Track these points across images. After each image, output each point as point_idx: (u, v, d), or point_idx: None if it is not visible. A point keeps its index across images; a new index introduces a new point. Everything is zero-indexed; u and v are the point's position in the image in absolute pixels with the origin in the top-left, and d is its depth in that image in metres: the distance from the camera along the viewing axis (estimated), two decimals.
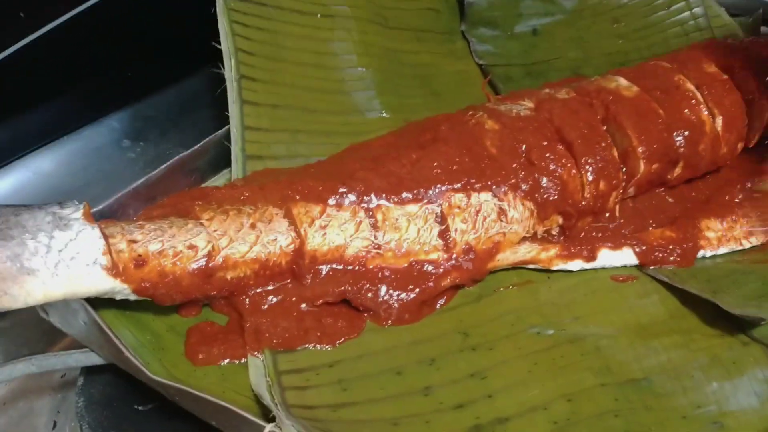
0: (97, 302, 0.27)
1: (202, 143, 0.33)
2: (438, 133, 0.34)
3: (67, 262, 0.25)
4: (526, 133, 0.33)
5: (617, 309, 0.31)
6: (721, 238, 0.34)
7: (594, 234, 0.33)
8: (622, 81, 0.37)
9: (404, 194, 0.31)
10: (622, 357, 0.28)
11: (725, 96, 0.36)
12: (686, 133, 0.34)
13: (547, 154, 0.33)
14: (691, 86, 0.36)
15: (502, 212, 0.31)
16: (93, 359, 0.30)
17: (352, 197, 0.30)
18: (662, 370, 0.27)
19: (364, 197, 0.30)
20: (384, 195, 0.30)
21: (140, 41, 0.43)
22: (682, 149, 0.34)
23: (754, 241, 0.35)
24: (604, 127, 0.35)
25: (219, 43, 0.37)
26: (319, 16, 0.44)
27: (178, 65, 0.45)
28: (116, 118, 0.43)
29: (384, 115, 0.43)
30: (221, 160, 0.35)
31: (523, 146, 0.33)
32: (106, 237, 0.25)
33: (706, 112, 0.35)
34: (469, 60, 0.51)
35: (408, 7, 0.51)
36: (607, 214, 0.34)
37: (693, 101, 0.35)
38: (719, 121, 0.36)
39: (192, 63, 0.43)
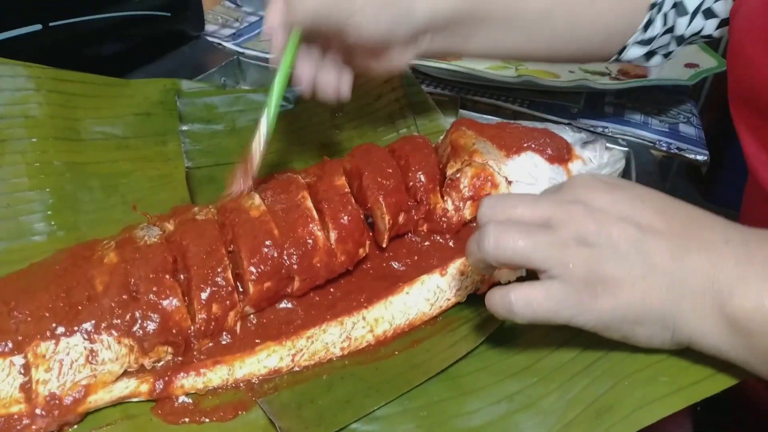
0: None
1: None
2: (52, 273, 0.35)
3: None
4: (137, 265, 0.35)
5: None
6: (336, 342, 0.38)
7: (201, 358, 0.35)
8: (256, 200, 0.40)
9: None
10: None
11: (342, 210, 0.40)
12: (297, 251, 0.38)
13: (153, 287, 0.35)
14: (309, 204, 0.40)
15: (92, 354, 0.33)
16: None
17: None
18: None
19: None
20: None
21: None
22: (294, 266, 0.38)
23: (369, 339, 0.39)
24: (230, 248, 0.38)
25: None
26: None
27: None
28: None
29: (59, 234, 0.44)
30: None
31: (132, 280, 0.35)
32: None
33: (318, 229, 0.39)
34: (180, 162, 0.53)
35: (109, 115, 0.52)
36: (228, 335, 0.37)
37: (308, 218, 0.39)
38: (333, 234, 0.39)
39: None
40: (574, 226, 0.31)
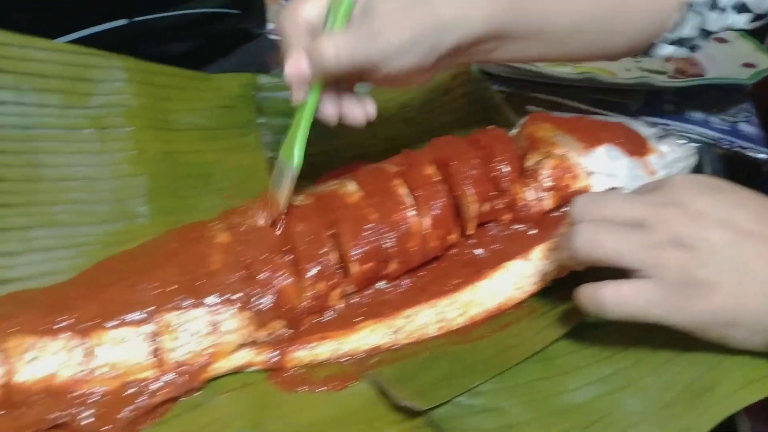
0: None
1: None
2: (167, 251, 0.37)
3: None
4: (251, 245, 0.37)
5: (321, 403, 0.35)
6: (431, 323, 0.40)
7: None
8: (351, 187, 0.42)
9: (120, 318, 0.34)
10: None
11: (434, 197, 0.41)
12: (395, 235, 0.40)
13: (266, 266, 0.37)
14: (403, 191, 0.41)
15: (215, 326, 0.35)
16: None
17: (66, 326, 0.33)
18: None
19: (79, 325, 0.33)
20: (99, 321, 0.33)
21: None
22: (391, 249, 0.40)
23: (462, 321, 0.40)
24: (332, 231, 0.40)
25: None
26: (88, 131, 0.47)
27: None
28: None
29: (158, 218, 0.46)
30: None
31: (246, 259, 0.37)
32: None
33: (413, 214, 0.40)
34: (260, 153, 0.55)
35: (196, 107, 0.54)
36: (332, 311, 0.39)
37: (403, 205, 0.41)
38: (427, 220, 0.41)
39: None
40: (669, 228, 0.31)
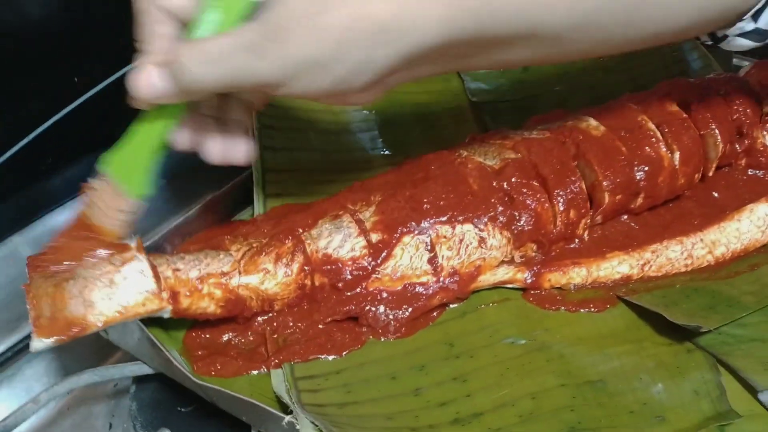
0: (148, 321, 0.33)
1: (228, 185, 0.40)
2: (429, 172, 0.40)
3: (123, 289, 0.31)
4: (507, 170, 0.39)
5: (582, 322, 0.36)
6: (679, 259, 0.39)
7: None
8: (592, 121, 0.42)
9: (402, 226, 0.36)
10: (581, 362, 0.33)
11: (683, 133, 0.41)
12: (646, 168, 0.40)
13: (524, 190, 0.38)
14: (652, 126, 0.41)
15: (482, 241, 0.37)
16: (143, 370, 0.36)
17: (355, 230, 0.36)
18: (615, 374, 0.32)
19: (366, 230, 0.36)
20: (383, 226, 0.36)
21: None
22: (642, 182, 0.40)
23: (710, 259, 0.40)
24: (575, 163, 0.41)
25: None
26: None
27: None
28: None
29: (386, 152, 0.49)
30: (246, 198, 0.41)
31: (504, 184, 0.38)
32: (154, 267, 0.32)
33: (664, 149, 0.40)
34: (464, 97, 0.57)
35: None
36: (577, 240, 0.40)
37: (653, 139, 0.40)
38: (677, 156, 0.41)
39: None
40: None
